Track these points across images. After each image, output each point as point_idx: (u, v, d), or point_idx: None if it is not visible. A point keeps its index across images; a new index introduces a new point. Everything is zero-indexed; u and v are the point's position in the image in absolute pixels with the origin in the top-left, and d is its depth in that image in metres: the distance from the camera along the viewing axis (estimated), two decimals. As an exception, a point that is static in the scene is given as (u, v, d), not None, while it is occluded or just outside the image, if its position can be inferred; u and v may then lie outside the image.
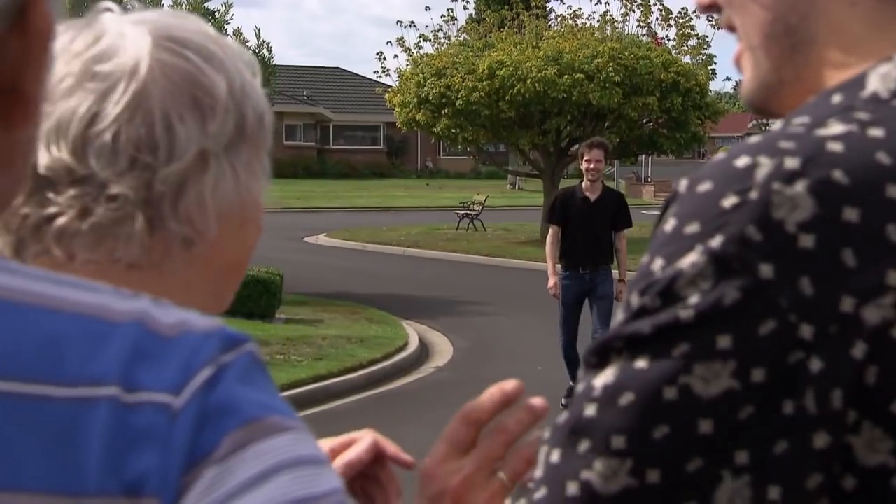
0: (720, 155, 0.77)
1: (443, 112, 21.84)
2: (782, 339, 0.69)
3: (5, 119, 0.66)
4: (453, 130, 22.37)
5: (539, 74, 20.62)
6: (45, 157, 0.93)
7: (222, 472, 0.62)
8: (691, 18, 23.31)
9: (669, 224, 0.74)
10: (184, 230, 0.95)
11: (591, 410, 0.73)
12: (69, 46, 0.95)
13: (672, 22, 23.52)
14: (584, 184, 8.45)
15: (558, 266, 8.45)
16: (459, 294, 15.23)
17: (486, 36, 23.63)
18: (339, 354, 10.29)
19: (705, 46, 23.38)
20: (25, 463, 0.60)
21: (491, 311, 13.58)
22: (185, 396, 0.63)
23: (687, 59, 23.07)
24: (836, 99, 0.78)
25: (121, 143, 0.93)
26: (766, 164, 0.72)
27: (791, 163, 0.72)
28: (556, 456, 0.74)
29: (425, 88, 21.94)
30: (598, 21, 23.65)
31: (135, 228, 0.94)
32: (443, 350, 11.24)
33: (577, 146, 23.06)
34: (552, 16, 25.79)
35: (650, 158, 40.55)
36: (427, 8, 26.01)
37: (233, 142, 0.97)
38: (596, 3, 24.31)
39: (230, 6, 16.55)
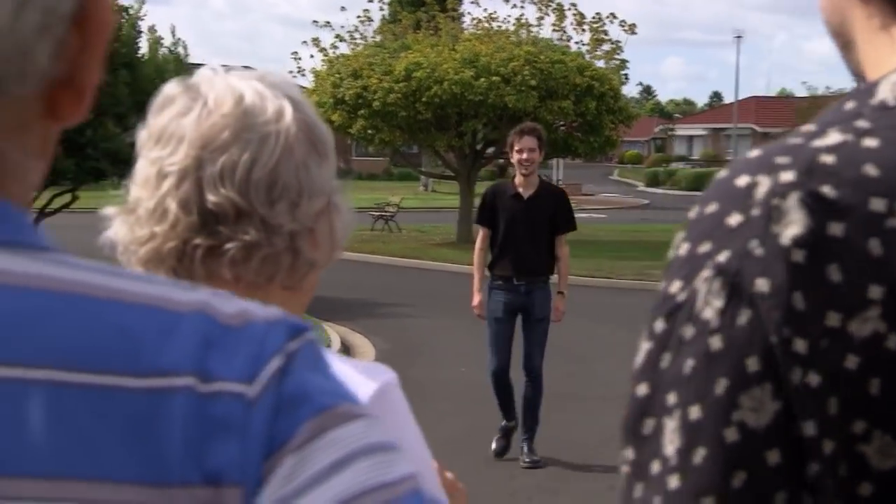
0: (722, 174, 0.78)
1: (359, 113, 21.78)
2: (784, 355, 0.71)
3: (55, 110, 0.66)
4: (370, 132, 22.33)
5: (456, 77, 20.71)
6: (215, 195, 1.13)
7: (301, 461, 0.63)
8: (604, 23, 23.63)
9: (683, 248, 0.76)
10: (315, 256, 1.18)
11: (674, 482, 0.72)
12: (221, 104, 1.16)
13: (586, 26, 23.81)
14: (516, 178, 6.99)
15: (488, 275, 7.07)
16: (378, 296, 15.22)
17: (401, 37, 23.63)
18: (260, 357, 10.19)
19: (618, 51, 23.72)
20: (107, 454, 0.60)
21: (411, 313, 13.59)
22: (259, 386, 0.63)
23: (601, 63, 23.38)
24: (849, 106, 0.79)
25: (279, 185, 1.15)
26: (764, 182, 0.74)
27: (786, 177, 0.74)
28: None
29: (341, 89, 21.87)
30: (513, 24, 23.84)
31: (295, 258, 1.15)
32: (365, 352, 11.19)
33: (492, 149, 23.32)
34: (466, 18, 25.92)
35: (562, 161, 40.90)
36: (343, 8, 25.77)
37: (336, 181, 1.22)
38: (512, 7, 24.45)
39: (143, 2, 16.26)
